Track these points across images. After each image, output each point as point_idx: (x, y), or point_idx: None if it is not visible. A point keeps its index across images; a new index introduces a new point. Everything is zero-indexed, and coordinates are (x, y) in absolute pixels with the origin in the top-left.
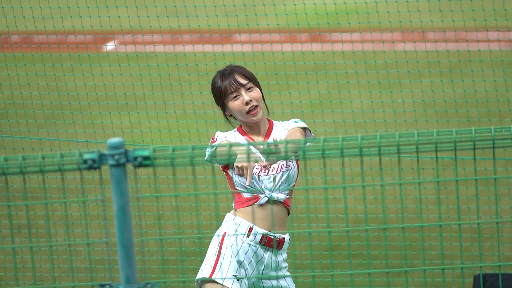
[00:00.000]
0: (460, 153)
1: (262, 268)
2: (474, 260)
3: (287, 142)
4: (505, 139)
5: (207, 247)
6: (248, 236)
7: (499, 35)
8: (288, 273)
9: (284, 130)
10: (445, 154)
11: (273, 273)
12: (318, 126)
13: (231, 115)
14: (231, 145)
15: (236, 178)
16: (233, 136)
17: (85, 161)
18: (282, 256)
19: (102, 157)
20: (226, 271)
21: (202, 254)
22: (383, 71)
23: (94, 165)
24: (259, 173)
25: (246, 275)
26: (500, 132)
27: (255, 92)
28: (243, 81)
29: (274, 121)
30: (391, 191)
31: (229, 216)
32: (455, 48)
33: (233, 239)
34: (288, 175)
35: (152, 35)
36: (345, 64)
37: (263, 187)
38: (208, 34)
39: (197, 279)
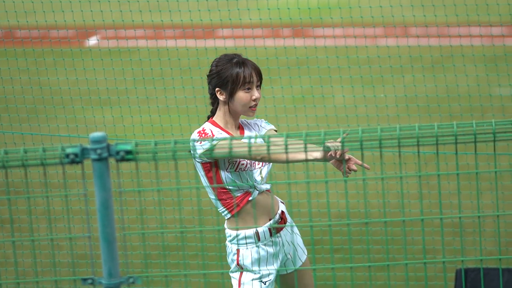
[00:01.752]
0: (442, 147)
1: (280, 259)
2: (456, 254)
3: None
4: (486, 133)
5: (190, 242)
6: (259, 239)
7: (481, 30)
8: (299, 234)
9: (259, 127)
10: (427, 149)
11: (290, 248)
12: (300, 121)
13: (218, 103)
14: (232, 138)
15: (229, 176)
16: (217, 130)
17: (67, 156)
18: (289, 232)
19: (84, 152)
20: (251, 284)
21: (184, 249)
22: (365, 66)
23: (77, 159)
24: (250, 167)
25: (279, 264)
26: (481, 127)
27: (260, 92)
28: (259, 77)
29: (241, 120)
30: (373, 186)
31: (230, 232)
32: (437, 43)
33: (248, 253)
34: (269, 167)
35: (135, 30)
36: (328, 59)
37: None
38: (191, 29)
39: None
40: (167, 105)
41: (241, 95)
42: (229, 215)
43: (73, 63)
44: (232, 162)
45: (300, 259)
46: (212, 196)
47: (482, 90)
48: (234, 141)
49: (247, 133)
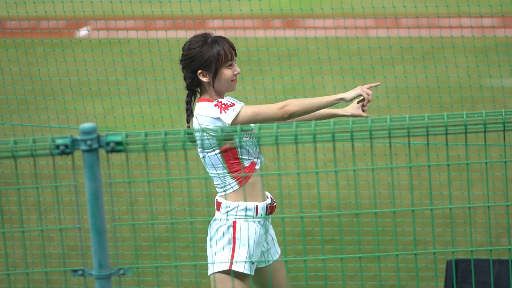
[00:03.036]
0: (433, 139)
1: (268, 235)
2: (446, 245)
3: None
4: (477, 124)
5: (180, 233)
6: (256, 215)
7: (472, 21)
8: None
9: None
10: (417, 140)
11: (269, 237)
12: None
13: (200, 86)
14: (252, 106)
15: (244, 145)
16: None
17: (57, 146)
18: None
19: (74, 142)
20: (244, 261)
21: (175, 240)
22: (356, 57)
23: (67, 150)
24: (252, 136)
25: (261, 254)
26: (472, 118)
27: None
28: (235, 51)
29: None
30: (364, 177)
31: (230, 203)
32: (428, 34)
33: (245, 225)
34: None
35: (125, 21)
36: (318, 50)
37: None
38: (181, 20)
39: (216, 266)
40: (157, 96)
41: (226, 72)
42: (237, 187)
43: (64, 54)
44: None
45: (276, 251)
46: (220, 171)
47: (473, 81)
48: (257, 104)
49: None
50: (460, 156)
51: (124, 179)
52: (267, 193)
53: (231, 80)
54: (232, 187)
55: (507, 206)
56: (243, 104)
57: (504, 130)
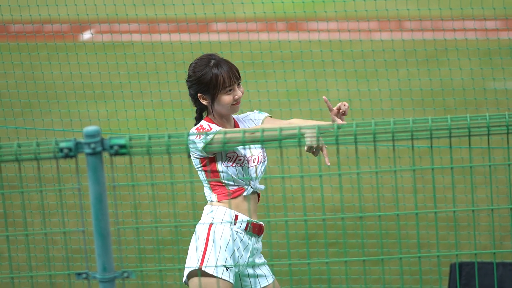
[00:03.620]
0: (437, 141)
1: (248, 255)
2: (450, 248)
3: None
4: (481, 127)
5: (184, 236)
6: (234, 223)
7: (475, 24)
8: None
9: (252, 121)
10: (421, 143)
11: (256, 260)
12: (294, 115)
13: (203, 106)
14: (226, 132)
15: (225, 170)
16: (214, 126)
17: (61, 150)
18: (260, 244)
19: (78, 146)
20: (215, 261)
21: (179, 243)
22: (359, 60)
23: (70, 153)
24: (242, 163)
25: (235, 263)
26: (476, 121)
27: (242, 88)
28: (238, 76)
29: (233, 116)
30: (367, 180)
31: (210, 208)
32: (432, 37)
33: (221, 228)
34: (264, 166)
35: (129, 24)
36: (322, 53)
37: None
38: (185, 23)
39: (186, 269)
40: (161, 99)
41: (224, 98)
42: (213, 201)
43: (67, 57)
44: (230, 156)
45: (266, 279)
46: (205, 185)
47: (476, 84)
48: (229, 131)
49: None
50: (464, 159)
51: (127, 182)
52: (261, 222)
53: (232, 105)
54: (214, 199)
55: (511, 209)
56: (220, 130)
57: (507, 133)
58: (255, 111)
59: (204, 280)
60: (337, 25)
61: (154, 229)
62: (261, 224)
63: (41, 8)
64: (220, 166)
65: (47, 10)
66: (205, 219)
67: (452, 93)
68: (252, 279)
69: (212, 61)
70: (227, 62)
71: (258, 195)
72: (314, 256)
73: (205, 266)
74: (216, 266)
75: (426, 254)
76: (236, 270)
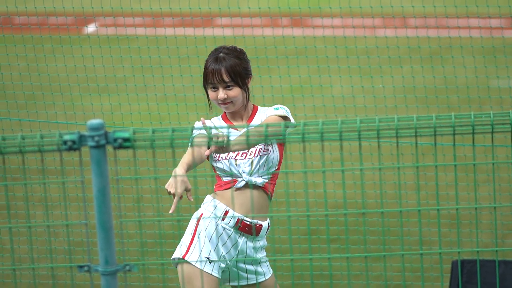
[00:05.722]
0: (440, 139)
1: (237, 253)
2: (452, 246)
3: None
4: (484, 125)
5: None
6: (223, 219)
7: (480, 21)
8: (265, 259)
9: (264, 116)
10: (424, 140)
11: (258, 255)
12: (298, 111)
13: None
14: (197, 136)
15: (211, 163)
16: (218, 121)
17: (65, 142)
18: (260, 243)
19: (82, 139)
20: (199, 253)
21: (181, 237)
22: (364, 57)
23: (74, 146)
24: (235, 157)
25: (219, 258)
26: (479, 118)
27: (233, 92)
28: (226, 78)
29: (259, 107)
30: (370, 176)
31: (208, 198)
32: (436, 34)
33: (208, 221)
34: (267, 159)
35: (134, 18)
36: (326, 49)
37: (240, 171)
38: (190, 17)
39: (173, 258)
40: (165, 93)
41: (210, 93)
42: (214, 191)
43: (72, 50)
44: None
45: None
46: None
47: (480, 81)
48: (198, 135)
49: (254, 123)
50: (467, 157)
51: (131, 175)
52: (264, 222)
53: (218, 103)
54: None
55: None
56: (192, 140)
57: (511, 131)
58: (276, 105)
59: (188, 269)
60: (341, 21)
61: (157, 223)
62: (255, 225)
63: (46, 1)
64: (211, 160)
65: (52, 3)
66: (199, 209)
67: (456, 90)
68: (250, 275)
69: (216, 54)
70: (228, 61)
71: (265, 191)
72: (316, 252)
73: (188, 257)
74: (200, 261)
75: (428, 251)
76: (223, 265)
